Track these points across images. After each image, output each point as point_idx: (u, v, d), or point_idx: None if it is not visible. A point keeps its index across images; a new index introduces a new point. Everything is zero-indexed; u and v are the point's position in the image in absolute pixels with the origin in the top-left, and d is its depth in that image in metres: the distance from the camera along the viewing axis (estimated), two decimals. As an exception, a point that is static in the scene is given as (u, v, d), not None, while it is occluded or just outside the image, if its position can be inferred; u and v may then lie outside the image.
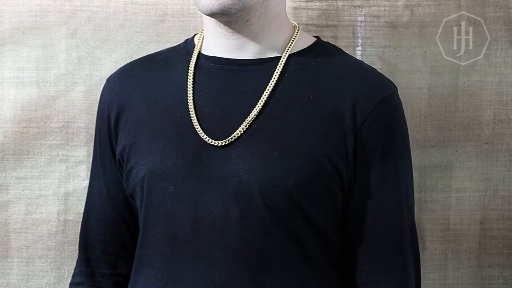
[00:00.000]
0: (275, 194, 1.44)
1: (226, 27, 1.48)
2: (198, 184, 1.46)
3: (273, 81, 1.49)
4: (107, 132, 1.55)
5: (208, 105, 1.49)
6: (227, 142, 1.46)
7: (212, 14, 1.44)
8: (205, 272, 1.46)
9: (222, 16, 1.45)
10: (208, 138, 1.46)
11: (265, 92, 1.48)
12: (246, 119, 1.46)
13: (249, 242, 1.45)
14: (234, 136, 1.46)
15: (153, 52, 1.61)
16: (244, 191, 1.44)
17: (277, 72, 1.50)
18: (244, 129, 1.46)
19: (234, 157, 1.45)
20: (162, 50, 1.61)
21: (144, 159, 1.48)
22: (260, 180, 1.44)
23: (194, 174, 1.46)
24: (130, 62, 1.60)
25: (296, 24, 1.55)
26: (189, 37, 1.58)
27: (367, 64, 1.58)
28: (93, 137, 1.59)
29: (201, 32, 1.56)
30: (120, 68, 1.60)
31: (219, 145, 1.46)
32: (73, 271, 1.61)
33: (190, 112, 1.48)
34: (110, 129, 1.54)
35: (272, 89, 1.49)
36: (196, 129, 1.47)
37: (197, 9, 1.46)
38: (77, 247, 1.60)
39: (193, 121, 1.48)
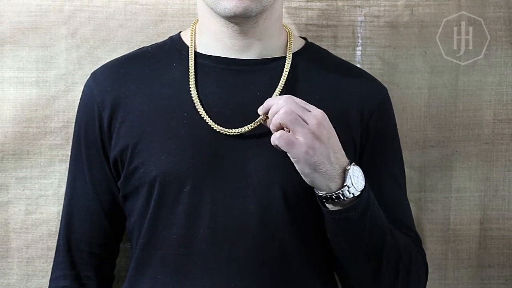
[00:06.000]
0: (296, 193, 1.46)
1: (234, 28, 1.48)
2: (216, 184, 1.46)
3: (282, 80, 1.50)
4: (98, 131, 1.53)
5: (216, 105, 1.48)
6: (244, 135, 1.45)
7: (234, 17, 1.44)
8: (224, 272, 1.45)
9: (242, 18, 1.45)
10: (225, 131, 1.46)
11: (276, 92, 1.49)
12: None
13: (269, 241, 1.46)
14: (251, 135, 1.46)
15: (135, 49, 1.61)
16: (264, 190, 1.45)
17: (285, 72, 1.50)
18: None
19: (252, 157, 1.46)
20: (146, 48, 1.59)
21: (154, 159, 1.47)
22: (281, 179, 1.45)
23: (212, 174, 1.46)
24: (116, 60, 1.59)
25: (286, 25, 1.57)
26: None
27: (353, 65, 1.64)
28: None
29: (191, 29, 1.55)
30: (105, 66, 1.58)
31: (234, 134, 1.46)
32: (50, 275, 1.60)
33: (199, 112, 1.48)
34: (102, 128, 1.53)
35: (282, 89, 1.50)
36: (212, 127, 1.46)
37: (215, 10, 1.45)
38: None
39: (206, 120, 1.47)
